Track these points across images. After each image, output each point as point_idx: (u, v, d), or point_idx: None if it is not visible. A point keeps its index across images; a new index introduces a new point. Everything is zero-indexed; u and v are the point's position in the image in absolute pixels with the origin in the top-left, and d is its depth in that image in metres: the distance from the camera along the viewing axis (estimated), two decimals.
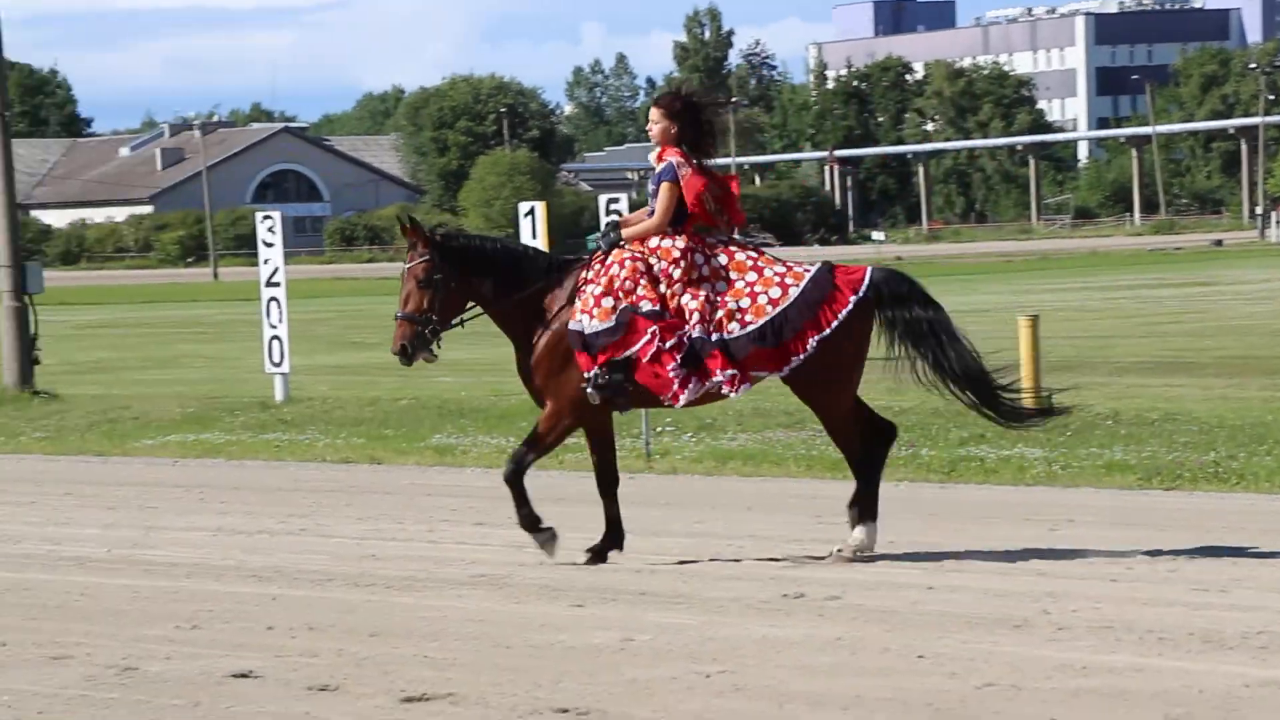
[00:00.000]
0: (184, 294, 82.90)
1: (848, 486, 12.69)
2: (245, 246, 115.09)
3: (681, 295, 12.23)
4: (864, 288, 12.42)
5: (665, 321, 12.15)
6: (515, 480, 12.66)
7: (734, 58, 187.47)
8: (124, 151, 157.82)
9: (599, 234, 13.15)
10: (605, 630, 10.25)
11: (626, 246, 12.47)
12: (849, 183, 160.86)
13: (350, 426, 21.50)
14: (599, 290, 12.29)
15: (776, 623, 10.41)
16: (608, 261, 12.45)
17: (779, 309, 12.17)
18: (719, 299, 12.25)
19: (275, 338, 23.65)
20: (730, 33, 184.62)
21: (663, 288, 12.26)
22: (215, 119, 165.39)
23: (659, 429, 18.96)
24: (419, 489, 17.05)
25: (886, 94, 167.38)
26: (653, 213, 12.47)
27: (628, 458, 18.07)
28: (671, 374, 12.17)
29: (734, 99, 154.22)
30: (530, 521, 12.60)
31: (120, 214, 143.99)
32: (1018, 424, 13.39)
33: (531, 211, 20.46)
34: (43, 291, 28.43)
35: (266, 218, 24.46)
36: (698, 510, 14.45)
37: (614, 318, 12.21)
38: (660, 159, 12.54)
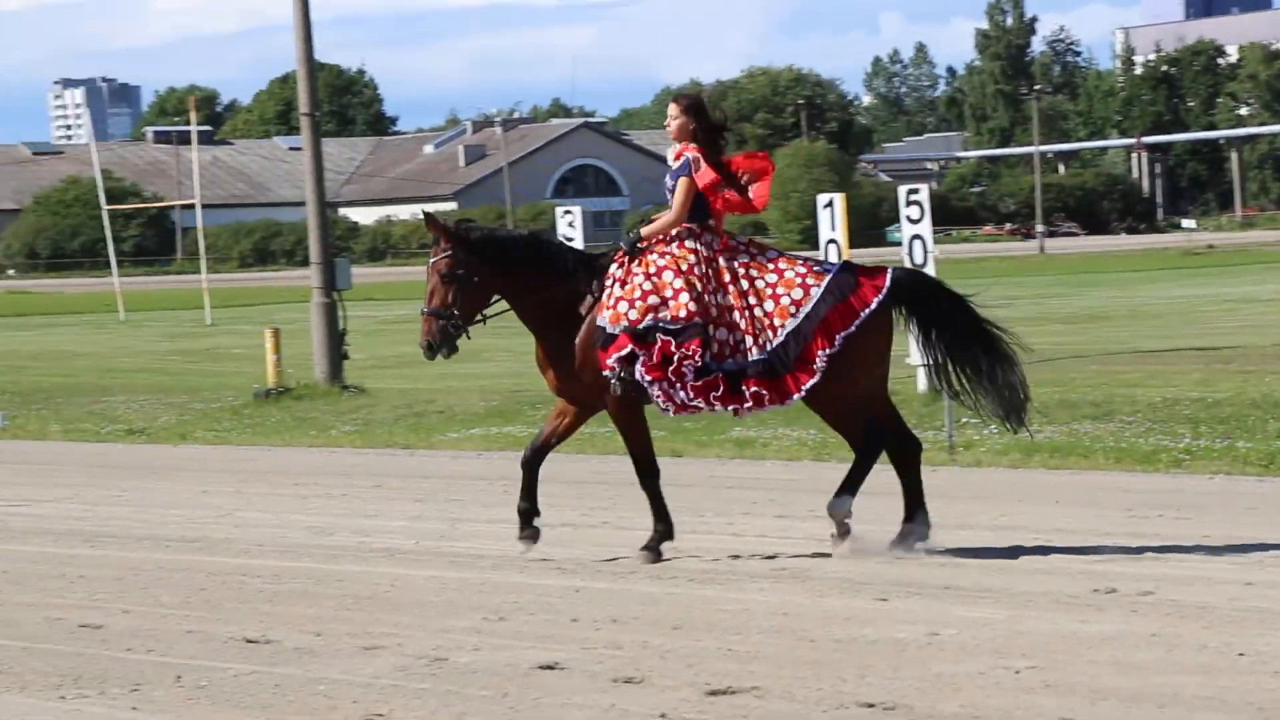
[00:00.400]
0: None
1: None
2: None
3: (706, 304, 12.30)
4: (889, 286, 12.51)
5: (688, 343, 12.22)
6: (655, 493, 13.05)
7: (1037, 44, 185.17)
8: (428, 149, 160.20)
9: (627, 237, 13.04)
10: (910, 624, 10.16)
11: (651, 248, 12.53)
12: (1157, 170, 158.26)
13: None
14: (621, 293, 12.40)
15: (1087, 618, 10.25)
16: (632, 265, 12.51)
17: (803, 311, 12.21)
18: (757, 305, 12.32)
19: None
20: (1033, 19, 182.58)
21: (684, 295, 12.27)
22: (516, 115, 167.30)
23: (961, 420, 18.68)
24: (719, 481, 17.05)
25: (1198, 78, 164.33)
26: (671, 205, 12.62)
27: (930, 450, 17.92)
28: (683, 394, 12.47)
29: (1037, 87, 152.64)
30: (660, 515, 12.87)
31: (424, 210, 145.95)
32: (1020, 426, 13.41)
33: (830, 203, 20.39)
34: (351, 288, 29.07)
35: (567, 212, 24.66)
36: (1003, 504, 14.28)
37: (635, 325, 12.27)
38: (679, 156, 12.68)
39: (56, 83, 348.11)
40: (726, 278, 12.40)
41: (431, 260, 12.79)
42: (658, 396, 12.54)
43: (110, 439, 23.52)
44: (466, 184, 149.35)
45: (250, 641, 10.47)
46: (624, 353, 12.29)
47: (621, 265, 12.58)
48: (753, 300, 12.31)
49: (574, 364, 12.67)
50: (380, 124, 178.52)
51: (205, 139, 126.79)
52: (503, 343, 41.69)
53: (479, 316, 12.99)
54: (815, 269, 12.55)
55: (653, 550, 12.71)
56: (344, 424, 23.27)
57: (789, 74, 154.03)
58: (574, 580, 12.14)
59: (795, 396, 12.38)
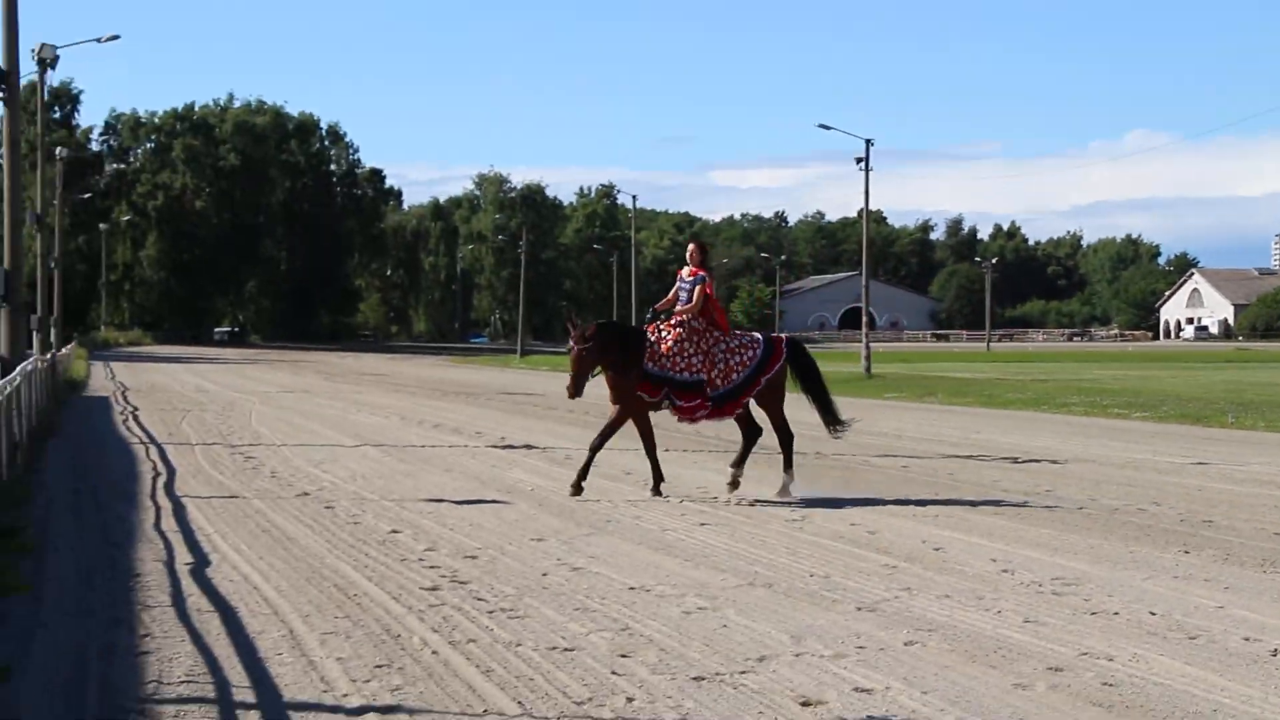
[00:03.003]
0: None
1: None
2: None
3: (702, 356, 13.95)
4: (785, 350, 14.30)
5: (697, 388, 13.91)
6: (596, 449, 14.13)
7: None
8: None
9: (649, 315, 14.57)
10: None
11: (674, 320, 14.02)
12: None
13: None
14: (660, 349, 13.93)
15: None
16: (663, 332, 14.01)
17: (752, 364, 14.07)
18: (721, 358, 14.01)
19: None
20: None
21: (691, 350, 13.91)
22: None
23: None
24: None
25: None
26: (690, 299, 14.02)
27: None
28: (701, 414, 14.04)
29: None
30: (583, 473, 14.09)
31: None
32: (838, 430, 14.89)
33: None
34: None
35: None
36: None
37: (677, 375, 13.91)
38: (694, 274, 14.05)
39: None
40: (709, 344, 14.01)
41: (575, 346, 13.86)
42: (677, 412, 14.06)
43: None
44: None
45: None
46: (660, 394, 13.95)
47: (654, 334, 14.04)
48: (722, 357, 13.97)
49: (627, 391, 13.99)
50: None
51: None
52: None
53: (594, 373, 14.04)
54: (755, 339, 14.27)
55: (654, 491, 14.08)
56: None
57: None
58: None
59: (739, 410, 14.15)
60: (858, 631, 7.86)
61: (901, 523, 12.22)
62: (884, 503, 13.56)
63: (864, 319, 52.46)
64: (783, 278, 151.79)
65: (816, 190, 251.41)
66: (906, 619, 8.21)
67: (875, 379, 44.98)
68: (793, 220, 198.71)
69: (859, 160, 50.68)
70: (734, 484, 14.27)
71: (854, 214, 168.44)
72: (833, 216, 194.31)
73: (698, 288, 14.09)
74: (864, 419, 26.52)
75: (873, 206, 56.63)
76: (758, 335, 14.63)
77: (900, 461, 17.99)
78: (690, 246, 14.45)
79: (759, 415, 14.54)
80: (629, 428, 14.42)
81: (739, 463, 14.40)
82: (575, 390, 13.92)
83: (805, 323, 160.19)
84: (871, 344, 52.25)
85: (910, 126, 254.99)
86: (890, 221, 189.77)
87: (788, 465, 14.32)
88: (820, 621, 8.11)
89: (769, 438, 14.45)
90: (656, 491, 14.10)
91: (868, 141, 50.65)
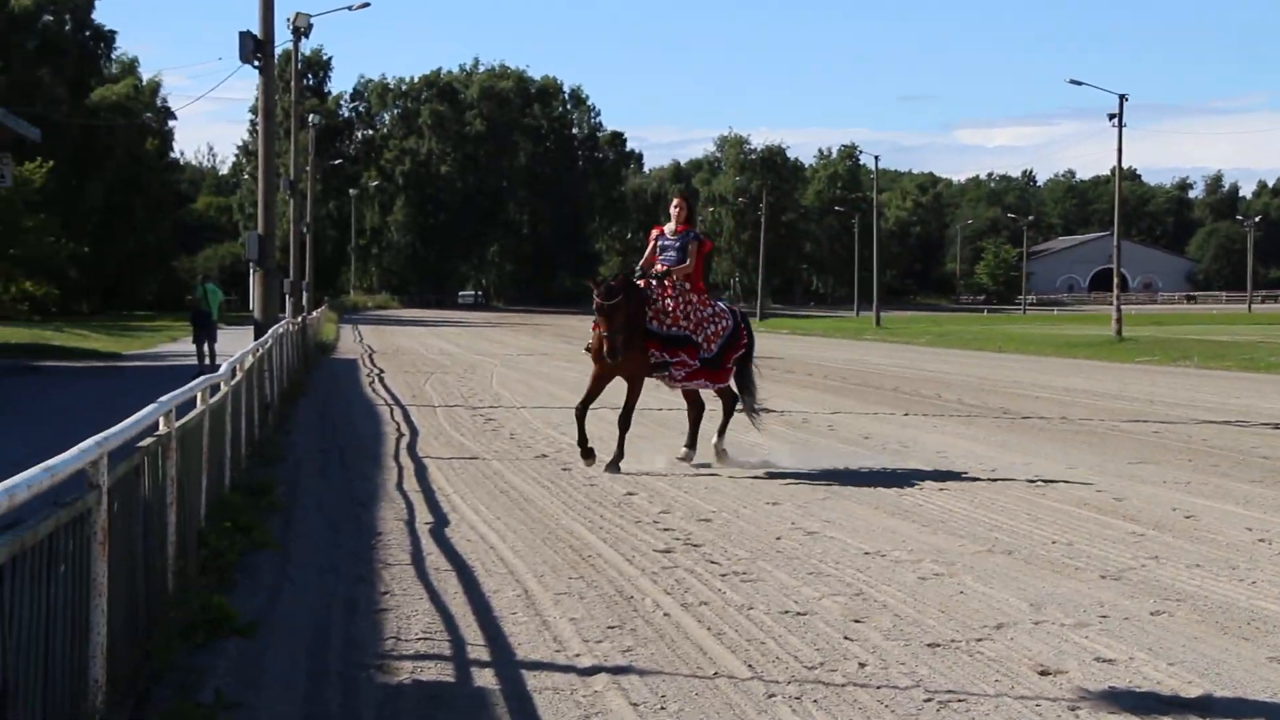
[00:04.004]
0: None
1: None
2: None
3: (694, 321, 13.37)
4: (744, 323, 13.84)
5: (687, 343, 13.33)
6: (626, 423, 13.46)
7: None
8: None
9: (640, 273, 13.51)
10: None
11: (669, 280, 13.26)
12: None
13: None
14: (659, 308, 13.28)
15: None
16: (661, 289, 13.30)
17: (725, 335, 13.52)
18: (704, 325, 13.42)
19: None
20: None
21: (682, 311, 13.32)
22: None
23: None
24: None
25: None
26: (682, 258, 13.31)
27: None
28: (686, 374, 13.39)
29: None
30: (581, 439, 13.37)
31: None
32: (754, 410, 14.18)
33: None
34: None
35: None
36: None
37: (676, 332, 13.26)
38: (680, 230, 13.35)
39: None
40: (695, 307, 13.40)
41: (608, 303, 13.01)
42: (669, 374, 13.41)
43: None
44: None
45: None
46: (658, 353, 13.29)
47: (653, 291, 13.30)
48: (710, 326, 13.41)
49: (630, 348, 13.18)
50: None
51: None
52: None
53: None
54: (724, 310, 13.70)
55: (614, 467, 13.17)
56: None
57: None
58: None
59: (725, 382, 13.72)
60: (1101, 600, 7.67)
61: (1150, 489, 11.86)
62: (1132, 469, 13.16)
63: (1115, 280, 50.82)
64: (1030, 238, 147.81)
65: (1066, 148, 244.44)
66: (1153, 588, 7.98)
67: (1126, 342, 43.60)
68: (1041, 179, 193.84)
69: (1111, 117, 49.10)
70: (720, 454, 13.89)
71: (1106, 172, 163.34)
72: (1084, 175, 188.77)
73: (691, 245, 13.44)
74: (1113, 384, 25.70)
75: (1126, 164, 54.70)
76: (724, 306, 13.96)
77: (1151, 427, 17.42)
78: (676, 201, 13.64)
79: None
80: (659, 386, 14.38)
81: (716, 433, 14.12)
82: (613, 351, 13.07)
83: (1054, 284, 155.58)
84: (1123, 306, 50.50)
85: (1168, 80, 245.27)
86: (1145, 180, 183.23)
87: (722, 431, 14.08)
88: (1061, 589, 7.95)
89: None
90: (615, 467, 13.30)
91: (1121, 97, 49.02)
